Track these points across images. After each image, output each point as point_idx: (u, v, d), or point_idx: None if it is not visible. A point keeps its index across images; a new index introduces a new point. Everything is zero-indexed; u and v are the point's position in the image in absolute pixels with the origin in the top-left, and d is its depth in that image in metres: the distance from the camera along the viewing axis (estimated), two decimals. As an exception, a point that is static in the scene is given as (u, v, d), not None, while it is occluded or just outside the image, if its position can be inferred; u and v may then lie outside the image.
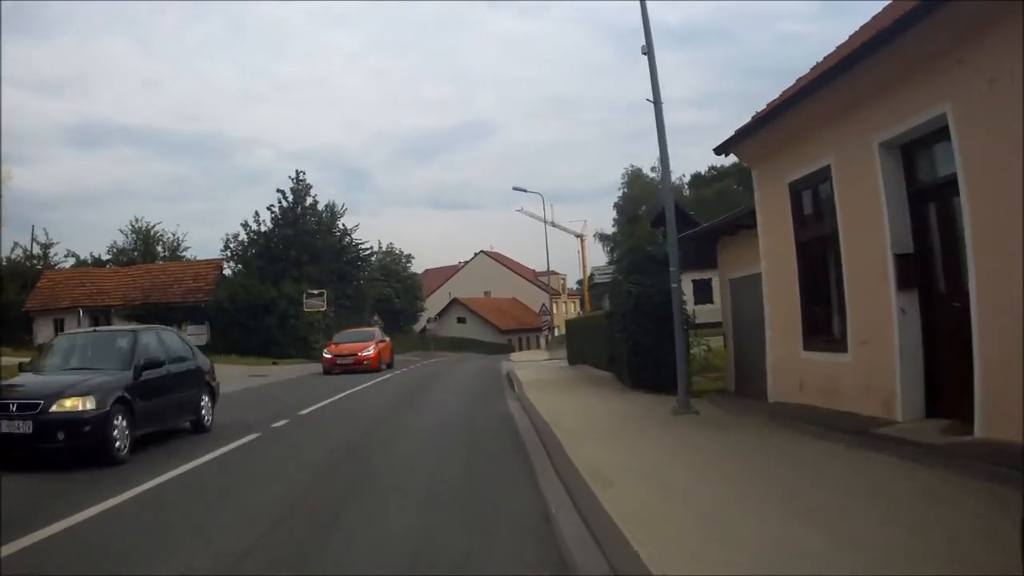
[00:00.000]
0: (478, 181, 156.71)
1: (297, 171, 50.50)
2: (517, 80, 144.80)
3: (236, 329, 45.19)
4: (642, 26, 12.93)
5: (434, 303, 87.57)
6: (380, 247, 70.03)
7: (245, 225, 50.23)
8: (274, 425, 13.27)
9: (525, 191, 56.15)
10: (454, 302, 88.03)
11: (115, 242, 63.51)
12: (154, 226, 63.54)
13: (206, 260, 53.62)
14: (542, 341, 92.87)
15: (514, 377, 21.70)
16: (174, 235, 63.83)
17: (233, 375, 28.29)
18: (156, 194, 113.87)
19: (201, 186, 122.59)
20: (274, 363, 40.79)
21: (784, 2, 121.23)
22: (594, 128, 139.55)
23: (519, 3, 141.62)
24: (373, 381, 23.72)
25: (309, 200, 50.96)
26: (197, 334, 48.01)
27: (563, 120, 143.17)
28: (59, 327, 50.24)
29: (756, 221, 14.25)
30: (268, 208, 50.39)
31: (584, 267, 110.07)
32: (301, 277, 46.92)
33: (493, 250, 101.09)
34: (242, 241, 50.33)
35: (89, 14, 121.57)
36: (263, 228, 50.27)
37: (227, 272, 51.53)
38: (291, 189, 50.45)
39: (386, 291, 60.93)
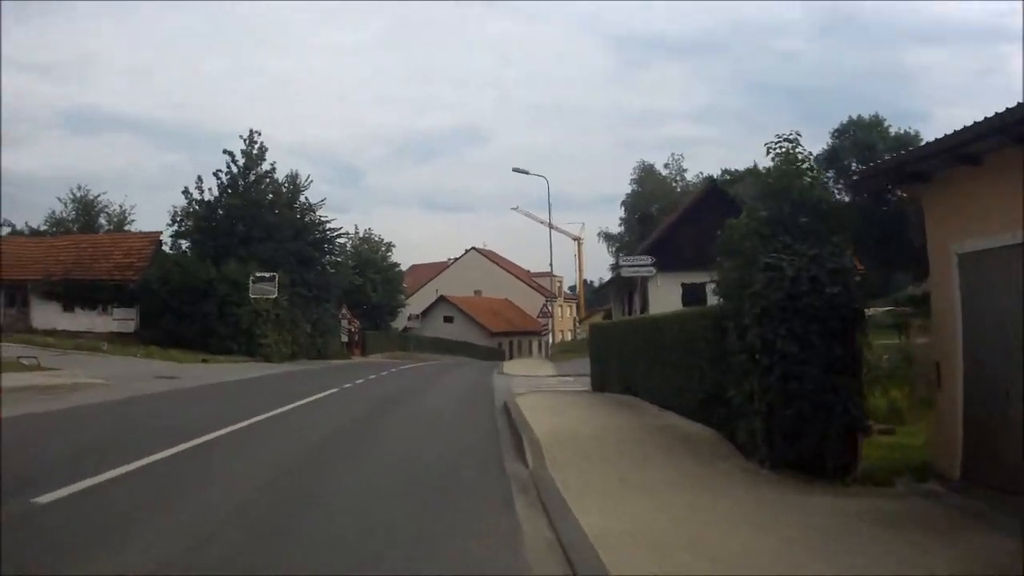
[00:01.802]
0: (473, 185, 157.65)
1: (251, 130, 40.81)
2: (515, 86, 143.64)
3: (168, 315, 36.55)
4: None
5: (420, 301, 79.99)
6: (356, 232, 61.26)
7: (186, 192, 40.62)
8: None
9: (527, 173, 47.07)
10: (441, 300, 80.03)
11: (52, 211, 55.34)
12: (97, 196, 55.30)
13: (142, 233, 44.83)
14: (536, 347, 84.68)
15: (518, 418, 12.49)
16: (121, 207, 55.62)
17: (118, 375, 21.57)
18: (151, 184, 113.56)
19: (192, 178, 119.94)
20: (204, 360, 32.21)
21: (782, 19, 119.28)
22: (593, 136, 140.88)
23: (518, 3, 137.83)
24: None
25: (265, 166, 41.36)
26: (123, 319, 39.46)
27: (561, 128, 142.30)
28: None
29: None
30: (214, 174, 40.81)
31: (580, 270, 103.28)
32: (249, 257, 37.91)
33: (486, 247, 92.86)
34: (187, 212, 40.80)
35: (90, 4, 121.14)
36: (207, 197, 40.74)
37: (169, 249, 42.58)
38: (242, 151, 40.71)
39: (357, 280, 51.56)
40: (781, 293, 7.78)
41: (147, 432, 11.03)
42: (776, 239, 8.46)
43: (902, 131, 66.06)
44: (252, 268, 37.06)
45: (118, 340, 35.66)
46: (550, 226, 51.60)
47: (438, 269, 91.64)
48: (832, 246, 8.32)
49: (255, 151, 40.70)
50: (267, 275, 37.02)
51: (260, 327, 36.39)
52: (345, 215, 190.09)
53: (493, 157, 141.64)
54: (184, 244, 41.66)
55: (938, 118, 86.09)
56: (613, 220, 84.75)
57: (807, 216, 8.85)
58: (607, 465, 8.52)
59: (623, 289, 48.76)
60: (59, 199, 55.83)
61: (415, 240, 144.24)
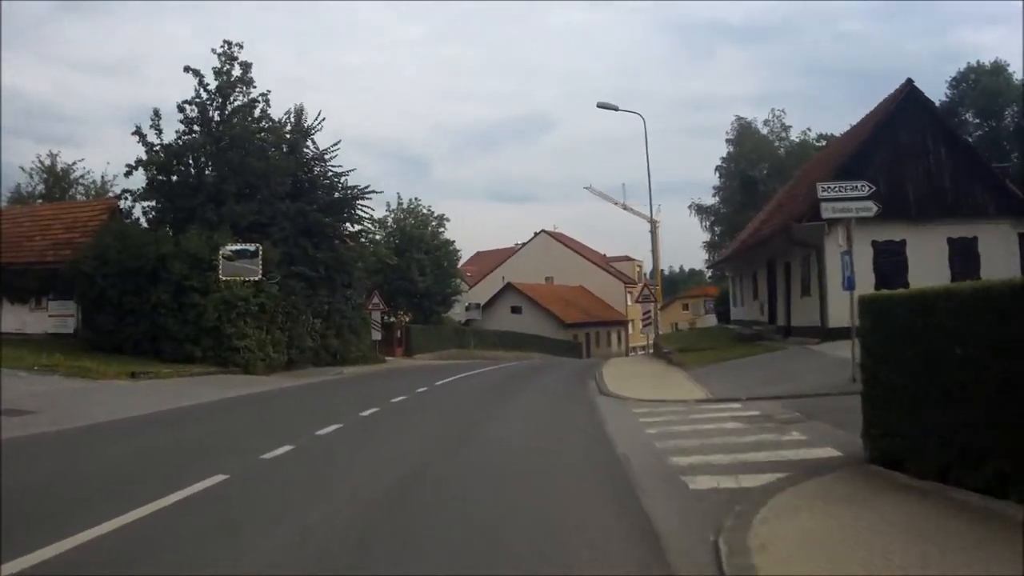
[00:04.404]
0: (542, 174, 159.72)
1: (226, 41, 27.83)
2: (580, 73, 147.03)
3: (107, 309, 24.93)
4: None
5: (485, 290, 70.98)
6: (399, 201, 48.98)
7: (138, 133, 27.29)
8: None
9: (616, 109, 34.47)
10: (508, 288, 69.36)
11: (18, 184, 44.56)
12: (73, 164, 44.26)
13: (95, 200, 33.35)
14: (616, 340, 72.91)
15: None
16: (103, 176, 44.41)
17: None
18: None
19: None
20: (133, 375, 20.41)
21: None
22: (658, 123, 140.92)
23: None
24: None
25: (254, 92, 28.17)
26: (60, 315, 27.97)
27: (627, 116, 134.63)
28: None
29: None
30: (179, 106, 27.78)
31: (657, 256, 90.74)
32: (220, 221, 25.90)
33: (557, 231, 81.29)
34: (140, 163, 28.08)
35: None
36: (166, 139, 27.63)
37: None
38: (215, 70, 27.54)
39: (392, 260, 38.82)
40: None
41: None
42: None
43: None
44: (224, 238, 25.04)
45: (52, 345, 24.32)
46: (648, 172, 38.88)
47: (505, 255, 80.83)
48: None
49: (235, 70, 27.86)
50: (247, 248, 24.99)
51: (234, 323, 24.33)
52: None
53: (561, 145, 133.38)
54: (139, 209, 29.40)
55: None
56: (684, 209, 73.43)
57: None
58: None
59: (753, 263, 35.48)
60: (22, 169, 44.64)
61: (484, 230, 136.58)
